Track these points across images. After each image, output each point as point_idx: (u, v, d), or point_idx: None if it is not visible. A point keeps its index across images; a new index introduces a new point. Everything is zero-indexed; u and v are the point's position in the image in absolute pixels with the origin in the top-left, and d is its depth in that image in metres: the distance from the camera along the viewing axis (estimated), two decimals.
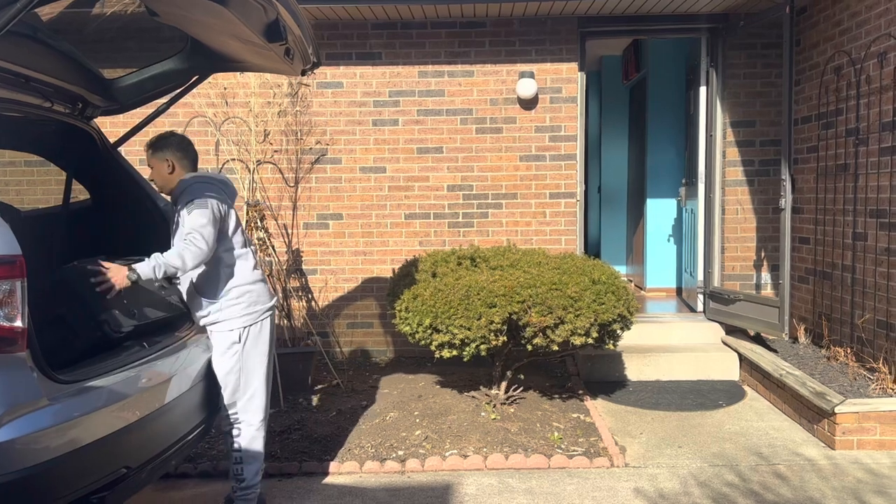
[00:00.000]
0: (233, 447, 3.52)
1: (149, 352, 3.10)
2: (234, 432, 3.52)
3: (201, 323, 3.48)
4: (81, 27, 3.52)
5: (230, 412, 3.52)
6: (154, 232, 3.75)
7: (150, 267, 3.13)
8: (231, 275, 3.47)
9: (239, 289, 3.47)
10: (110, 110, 3.93)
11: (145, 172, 3.66)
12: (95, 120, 3.86)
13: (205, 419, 3.46)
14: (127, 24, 3.48)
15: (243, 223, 3.61)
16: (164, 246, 3.38)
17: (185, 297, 3.54)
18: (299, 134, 6.40)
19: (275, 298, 3.69)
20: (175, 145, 3.49)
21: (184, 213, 3.33)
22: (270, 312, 3.61)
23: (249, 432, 3.52)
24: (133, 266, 3.10)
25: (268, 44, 3.12)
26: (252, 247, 3.66)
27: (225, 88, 6.03)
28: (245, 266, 3.51)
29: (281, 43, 3.16)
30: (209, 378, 3.46)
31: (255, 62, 3.72)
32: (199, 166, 3.68)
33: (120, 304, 3.17)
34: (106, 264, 3.09)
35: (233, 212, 3.54)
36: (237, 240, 3.51)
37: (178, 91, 4.01)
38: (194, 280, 3.47)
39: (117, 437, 2.66)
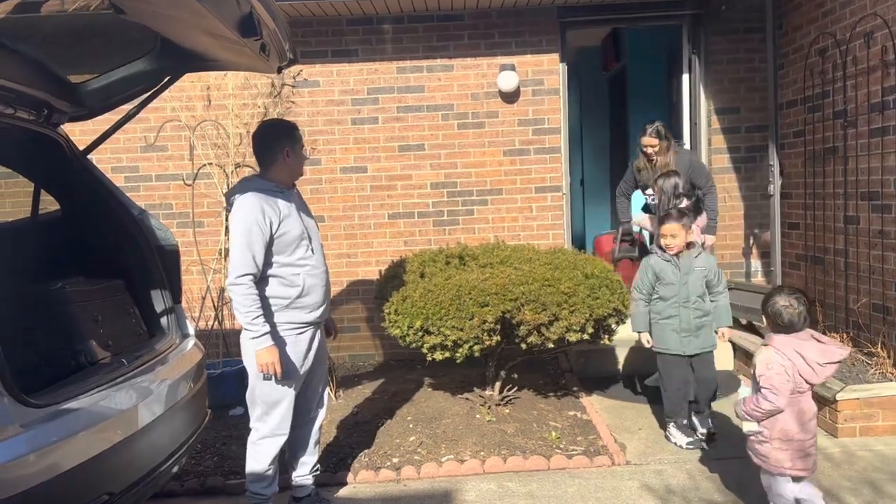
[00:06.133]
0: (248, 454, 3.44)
1: (128, 368, 2.94)
2: (250, 438, 3.43)
3: None
4: (44, 29, 3.33)
5: (250, 419, 3.42)
6: (128, 242, 3.57)
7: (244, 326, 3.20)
8: (266, 287, 3.29)
9: (270, 300, 3.29)
10: (78, 116, 3.74)
11: (118, 180, 3.49)
12: (63, 126, 3.68)
13: (192, 434, 3.30)
14: (92, 23, 3.29)
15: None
16: (138, 256, 3.21)
17: None
18: None
19: (319, 314, 3.44)
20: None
21: None
22: (305, 329, 3.39)
23: (262, 444, 3.40)
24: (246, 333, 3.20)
25: (241, 39, 2.95)
26: (313, 259, 3.38)
27: (209, 88, 5.83)
28: (281, 283, 3.29)
29: (255, 38, 2.99)
30: (195, 391, 3.30)
31: (229, 59, 3.55)
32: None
33: (94, 322, 3.01)
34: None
35: (294, 216, 3.31)
36: (283, 255, 3.28)
37: (149, 93, 3.83)
38: None
39: (98, 461, 2.50)
